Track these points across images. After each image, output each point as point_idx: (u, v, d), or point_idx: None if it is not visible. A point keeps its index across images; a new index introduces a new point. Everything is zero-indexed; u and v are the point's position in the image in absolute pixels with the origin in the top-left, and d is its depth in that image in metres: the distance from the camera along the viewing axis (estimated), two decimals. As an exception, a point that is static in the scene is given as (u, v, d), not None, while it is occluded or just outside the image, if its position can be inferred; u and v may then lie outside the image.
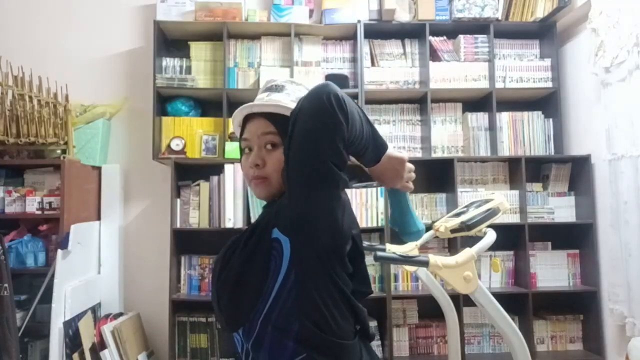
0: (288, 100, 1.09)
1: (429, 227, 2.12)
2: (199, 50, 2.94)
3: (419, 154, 2.96)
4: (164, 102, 2.95)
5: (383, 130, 2.97)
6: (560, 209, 2.85)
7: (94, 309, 2.74)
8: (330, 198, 0.96)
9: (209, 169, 2.80)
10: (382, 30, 2.98)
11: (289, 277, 1.00)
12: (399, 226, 1.26)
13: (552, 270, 2.86)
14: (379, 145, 1.07)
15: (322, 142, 0.92)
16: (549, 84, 2.96)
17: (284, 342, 0.99)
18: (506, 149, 2.95)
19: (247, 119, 1.14)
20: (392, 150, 1.12)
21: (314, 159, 0.93)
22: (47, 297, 2.39)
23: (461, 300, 2.64)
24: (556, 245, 2.91)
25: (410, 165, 1.17)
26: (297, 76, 2.89)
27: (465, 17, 2.93)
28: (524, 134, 2.97)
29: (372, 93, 2.91)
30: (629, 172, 2.32)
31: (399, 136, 2.99)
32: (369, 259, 1.25)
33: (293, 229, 0.99)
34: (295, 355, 0.98)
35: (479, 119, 2.96)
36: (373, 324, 2.78)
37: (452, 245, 2.87)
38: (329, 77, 2.91)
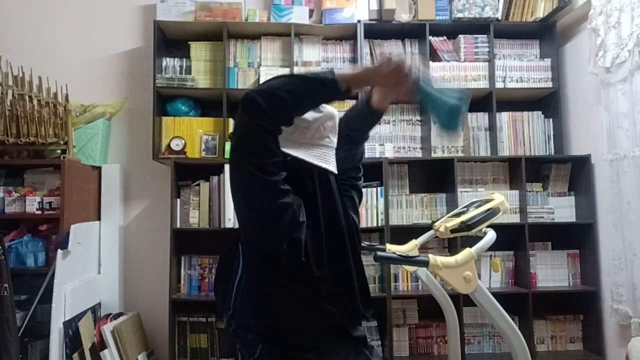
0: None
1: (429, 227, 2.13)
2: (199, 50, 2.94)
3: (419, 154, 2.96)
4: (164, 102, 2.95)
5: (383, 130, 2.97)
6: (560, 209, 2.85)
7: (94, 309, 2.74)
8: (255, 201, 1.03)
9: (209, 169, 2.80)
10: (382, 30, 2.98)
11: (243, 276, 1.11)
12: (437, 121, 1.15)
13: (552, 270, 2.86)
14: (323, 81, 1.05)
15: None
16: (549, 84, 2.96)
17: (246, 334, 1.11)
18: (506, 149, 2.95)
19: None
20: (354, 71, 1.07)
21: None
22: (47, 297, 2.38)
23: (461, 300, 2.64)
24: (556, 245, 2.91)
25: (389, 66, 1.07)
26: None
27: (465, 17, 2.93)
28: (524, 134, 2.97)
29: None
30: (631, 172, 2.32)
31: (398, 136, 2.98)
32: (366, 259, 1.25)
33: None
34: (256, 346, 1.10)
35: (479, 119, 2.96)
36: (373, 324, 2.78)
37: (452, 245, 2.87)
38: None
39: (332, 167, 1.17)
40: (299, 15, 2.92)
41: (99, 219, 2.92)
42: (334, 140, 1.20)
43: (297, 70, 2.90)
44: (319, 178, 1.12)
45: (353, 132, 1.33)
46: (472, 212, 1.75)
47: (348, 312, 1.12)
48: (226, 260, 1.18)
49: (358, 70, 1.08)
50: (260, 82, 2.86)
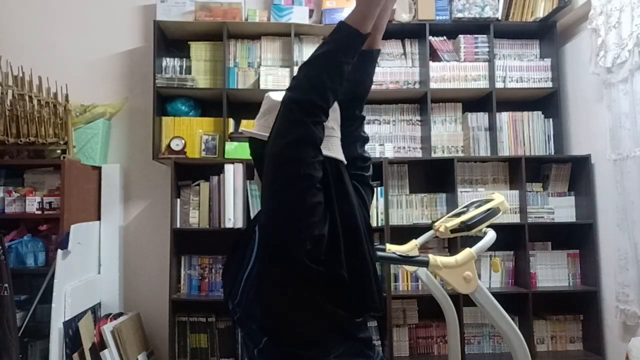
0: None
1: (429, 227, 2.14)
2: (199, 50, 2.94)
3: (419, 154, 2.96)
4: (164, 102, 2.95)
5: (383, 130, 2.97)
6: (560, 209, 2.85)
7: (94, 309, 2.74)
8: (294, 196, 1.00)
9: (209, 169, 2.80)
10: (382, 30, 2.97)
11: (255, 267, 1.09)
12: None
13: (552, 270, 2.86)
14: (343, 38, 1.03)
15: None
16: (549, 84, 2.96)
17: (251, 325, 1.10)
18: (506, 149, 2.95)
19: None
20: (352, 14, 1.05)
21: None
22: (47, 297, 2.38)
23: (461, 300, 2.64)
24: (556, 245, 2.91)
25: None
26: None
27: (465, 17, 2.93)
28: (524, 134, 2.97)
29: (372, 93, 2.80)
30: (633, 173, 2.31)
31: (398, 136, 2.99)
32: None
33: (262, 221, 1.09)
34: (261, 338, 1.08)
35: (479, 119, 2.96)
36: (373, 324, 2.78)
37: (452, 245, 2.87)
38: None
39: (340, 155, 1.16)
40: (299, 15, 2.92)
41: (99, 219, 2.92)
42: (338, 131, 1.20)
43: (297, 70, 2.89)
44: (331, 169, 1.11)
45: (351, 98, 1.31)
46: (472, 212, 1.76)
47: (362, 308, 1.11)
48: (239, 247, 1.17)
49: (355, 6, 1.05)
50: (260, 82, 2.86)
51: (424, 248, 2.63)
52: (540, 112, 3.00)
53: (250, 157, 1.21)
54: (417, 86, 2.96)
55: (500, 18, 2.97)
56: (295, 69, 2.89)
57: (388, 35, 3.01)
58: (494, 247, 1.62)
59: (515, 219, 2.81)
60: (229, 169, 2.74)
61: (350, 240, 1.08)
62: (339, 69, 1.03)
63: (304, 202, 1.00)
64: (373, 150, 2.85)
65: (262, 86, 2.86)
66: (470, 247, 1.49)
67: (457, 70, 2.95)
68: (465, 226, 1.72)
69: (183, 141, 2.84)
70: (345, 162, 1.18)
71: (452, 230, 1.78)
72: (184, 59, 2.94)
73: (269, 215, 1.05)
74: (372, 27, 1.24)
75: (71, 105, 2.71)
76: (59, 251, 2.43)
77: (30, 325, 2.47)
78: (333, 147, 1.15)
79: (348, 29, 1.03)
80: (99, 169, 2.94)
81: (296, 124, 1.01)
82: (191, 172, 2.86)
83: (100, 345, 2.51)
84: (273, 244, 1.04)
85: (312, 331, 1.07)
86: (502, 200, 1.77)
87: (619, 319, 2.46)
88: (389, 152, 2.90)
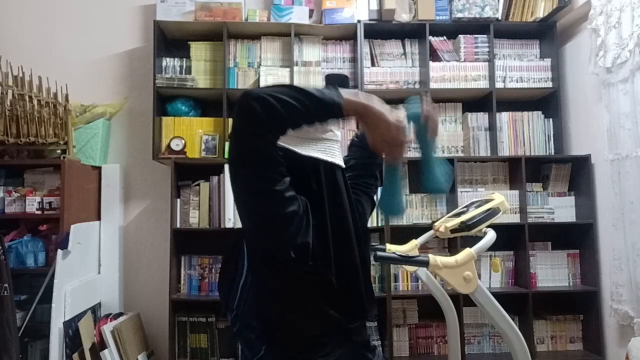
0: None
1: (429, 227, 2.13)
2: (199, 50, 2.94)
3: (418, 154, 2.95)
4: (164, 102, 2.95)
5: (383, 130, 2.97)
6: (560, 209, 2.85)
7: (94, 309, 2.74)
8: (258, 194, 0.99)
9: (209, 169, 2.80)
10: (382, 30, 2.98)
11: (248, 277, 1.09)
12: (385, 206, 1.20)
13: (552, 270, 2.86)
14: (328, 105, 0.98)
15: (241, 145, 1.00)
16: (549, 84, 2.96)
17: (249, 335, 1.10)
18: (506, 149, 2.95)
19: None
20: (366, 101, 1.01)
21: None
22: (47, 297, 2.38)
23: (461, 300, 2.64)
24: (556, 245, 2.91)
25: (396, 126, 1.02)
26: (297, 76, 2.89)
27: (465, 17, 2.93)
28: (524, 134, 2.97)
29: (372, 93, 2.90)
30: (633, 172, 2.31)
31: (399, 136, 2.98)
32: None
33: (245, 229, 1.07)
34: (260, 346, 1.08)
35: (479, 119, 2.96)
36: (373, 324, 2.78)
37: (452, 245, 2.87)
38: (328, 77, 2.89)
39: (338, 160, 1.15)
40: (299, 15, 2.92)
41: (99, 219, 2.92)
42: (337, 133, 1.18)
43: (297, 70, 2.90)
44: (325, 173, 1.10)
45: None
46: (472, 212, 1.76)
47: (354, 313, 1.11)
48: (230, 259, 1.16)
49: (370, 104, 1.01)
50: (260, 82, 2.86)
51: (424, 248, 2.63)
52: (540, 112, 3.00)
53: None
54: (417, 86, 2.96)
55: (500, 18, 2.96)
56: (296, 69, 2.89)
57: (388, 35, 3.02)
58: (494, 247, 1.61)
59: (515, 219, 2.81)
60: (229, 177, 2.73)
61: (340, 246, 1.08)
62: (301, 114, 0.96)
63: (274, 216, 0.98)
64: (373, 150, 2.86)
65: (262, 86, 2.85)
66: (470, 247, 1.49)
67: (457, 70, 2.95)
68: (465, 226, 1.71)
69: (183, 141, 2.84)
70: (344, 166, 1.17)
71: (452, 230, 1.77)
72: (184, 59, 2.94)
73: (245, 227, 1.06)
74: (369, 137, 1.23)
75: (71, 105, 2.71)
76: (59, 251, 2.43)
77: (30, 325, 2.47)
78: (330, 151, 1.14)
79: (340, 101, 0.98)
80: (99, 169, 2.94)
81: (240, 134, 0.98)
82: (191, 172, 2.86)
83: (100, 345, 2.51)
84: (254, 250, 1.05)
85: (310, 332, 1.07)
86: (502, 200, 1.77)
87: (614, 319, 2.46)
88: (389, 152, 2.90)
